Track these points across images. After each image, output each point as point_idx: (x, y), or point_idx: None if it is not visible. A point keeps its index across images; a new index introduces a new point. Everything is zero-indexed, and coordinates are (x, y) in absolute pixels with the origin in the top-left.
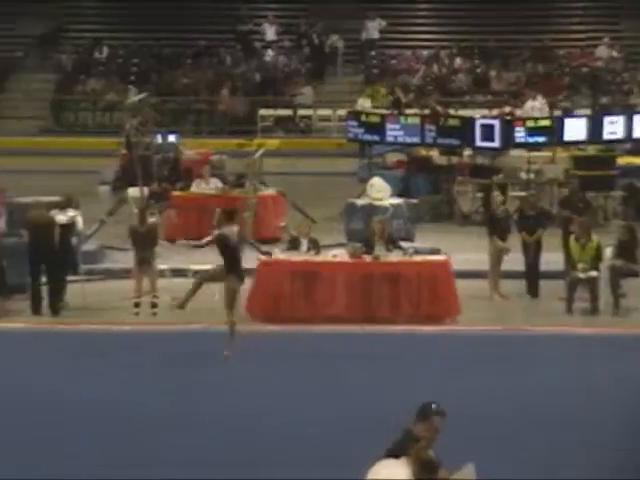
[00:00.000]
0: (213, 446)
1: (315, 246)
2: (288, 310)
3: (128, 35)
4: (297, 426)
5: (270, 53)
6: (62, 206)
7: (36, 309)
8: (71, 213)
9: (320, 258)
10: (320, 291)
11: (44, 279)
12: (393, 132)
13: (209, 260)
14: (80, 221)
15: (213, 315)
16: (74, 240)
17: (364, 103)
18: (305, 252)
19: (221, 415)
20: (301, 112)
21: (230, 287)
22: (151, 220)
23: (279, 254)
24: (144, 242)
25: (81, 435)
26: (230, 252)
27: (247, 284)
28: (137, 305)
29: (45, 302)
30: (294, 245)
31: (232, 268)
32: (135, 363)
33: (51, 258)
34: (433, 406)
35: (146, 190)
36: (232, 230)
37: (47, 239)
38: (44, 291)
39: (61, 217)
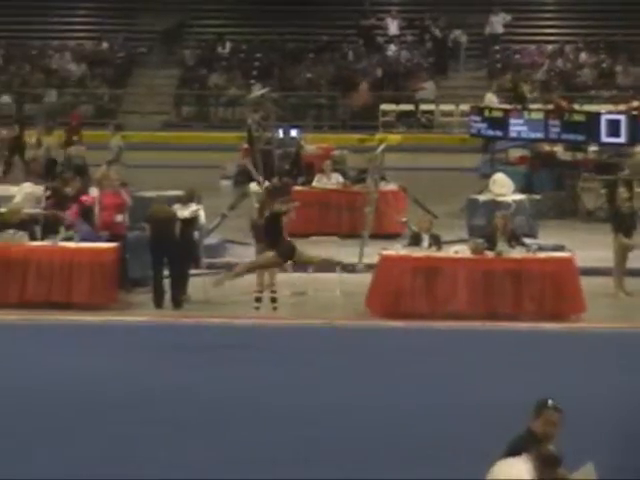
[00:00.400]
0: (331, 440)
1: (437, 242)
2: (408, 306)
3: (251, 30)
4: (418, 422)
5: (392, 48)
6: (184, 200)
7: (158, 302)
8: (193, 207)
9: (442, 254)
10: (441, 287)
11: (166, 273)
12: (516, 127)
13: (330, 254)
14: (202, 215)
15: (333, 311)
16: (196, 234)
17: (492, 98)
18: (426, 248)
19: (340, 409)
20: (423, 107)
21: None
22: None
23: (400, 250)
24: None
25: (203, 429)
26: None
27: (367, 279)
28: (258, 300)
29: (167, 295)
30: (415, 241)
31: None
32: (255, 358)
33: (173, 252)
34: (549, 402)
35: (267, 184)
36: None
37: (169, 233)
38: (166, 285)
39: (183, 211)
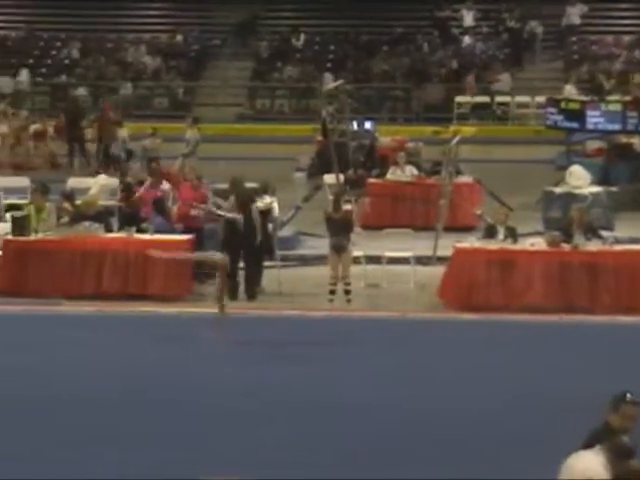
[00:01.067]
0: (406, 431)
1: (512, 234)
2: (483, 299)
3: (325, 22)
4: (494, 415)
5: (468, 39)
6: (259, 192)
7: (233, 294)
8: (268, 199)
9: (517, 247)
10: (516, 280)
11: (240, 265)
12: (593, 119)
13: (404, 247)
14: (276, 207)
15: (407, 303)
16: (270, 226)
17: (571, 90)
18: (502, 240)
19: (414, 401)
20: (498, 99)
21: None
22: (346, 207)
23: (475, 242)
24: (339, 229)
25: (280, 421)
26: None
27: (441, 272)
28: (332, 292)
29: (241, 287)
30: (490, 233)
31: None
32: (328, 349)
33: (249, 244)
34: (627, 396)
35: (342, 177)
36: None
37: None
38: (240, 277)
39: (258, 203)
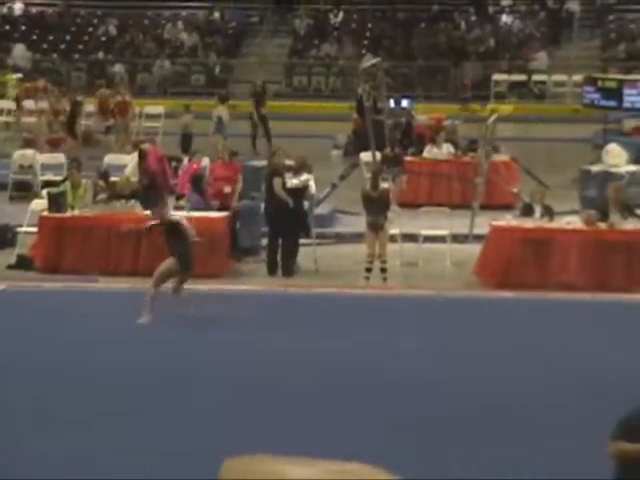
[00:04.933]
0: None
1: (549, 213)
2: (519, 276)
3: (363, 0)
4: (530, 390)
5: (505, 18)
6: (295, 170)
7: (272, 270)
8: (304, 177)
9: (554, 225)
10: (552, 258)
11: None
12: (631, 98)
13: (440, 225)
14: (313, 185)
15: (443, 281)
16: (306, 204)
17: None
18: (538, 219)
19: (451, 380)
20: (535, 77)
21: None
22: (383, 185)
23: (511, 220)
24: (376, 207)
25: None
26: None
27: (477, 250)
28: (368, 270)
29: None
30: (527, 211)
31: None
32: (364, 326)
33: (286, 221)
34: None
35: (378, 155)
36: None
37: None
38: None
39: (294, 181)
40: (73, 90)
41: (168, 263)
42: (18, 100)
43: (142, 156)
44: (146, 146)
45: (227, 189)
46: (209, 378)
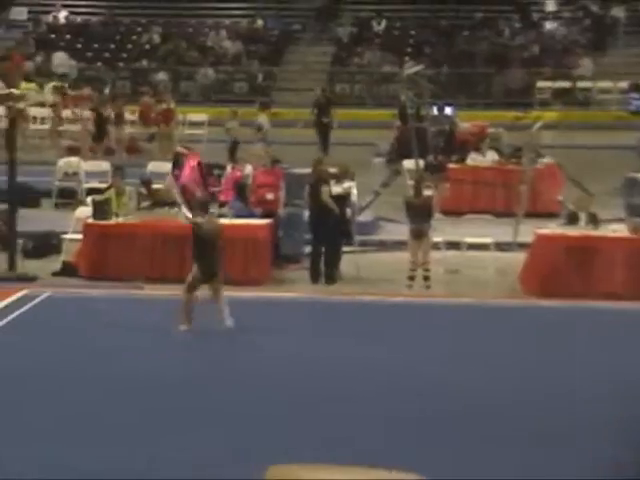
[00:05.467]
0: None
1: (594, 221)
2: (563, 285)
3: (405, 7)
4: (580, 404)
5: (549, 24)
6: (338, 177)
7: (315, 278)
8: (347, 184)
9: (599, 233)
10: (598, 266)
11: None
12: None
13: (484, 233)
14: (355, 192)
15: (486, 289)
16: (349, 211)
17: None
18: (583, 227)
19: (495, 386)
20: (580, 84)
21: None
22: (427, 192)
23: (556, 228)
24: (419, 214)
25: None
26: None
27: (521, 258)
28: (411, 278)
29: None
30: (572, 219)
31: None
32: (408, 333)
33: (329, 228)
34: None
35: (421, 162)
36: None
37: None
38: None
39: (337, 188)
40: (112, 99)
41: (192, 270)
42: (56, 107)
43: (176, 162)
44: (183, 151)
45: (269, 196)
46: (253, 386)
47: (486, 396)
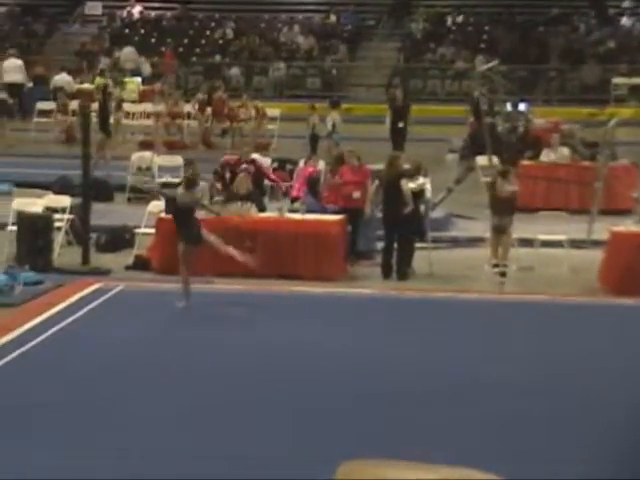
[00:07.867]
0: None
1: None
2: (639, 283)
3: (480, 2)
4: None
5: (625, 20)
6: (412, 174)
7: (387, 274)
8: (420, 180)
9: None
10: None
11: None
12: None
13: (557, 230)
14: (428, 189)
15: (560, 287)
16: (422, 207)
17: None
18: None
19: (567, 384)
20: None
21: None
22: (510, 188)
23: (631, 226)
24: (504, 209)
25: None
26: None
27: (595, 255)
28: (503, 274)
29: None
30: None
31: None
32: (479, 331)
33: (402, 225)
34: None
35: (495, 159)
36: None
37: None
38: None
39: (411, 184)
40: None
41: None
42: (119, 102)
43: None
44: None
45: (356, 194)
46: (318, 381)
47: (569, 398)
